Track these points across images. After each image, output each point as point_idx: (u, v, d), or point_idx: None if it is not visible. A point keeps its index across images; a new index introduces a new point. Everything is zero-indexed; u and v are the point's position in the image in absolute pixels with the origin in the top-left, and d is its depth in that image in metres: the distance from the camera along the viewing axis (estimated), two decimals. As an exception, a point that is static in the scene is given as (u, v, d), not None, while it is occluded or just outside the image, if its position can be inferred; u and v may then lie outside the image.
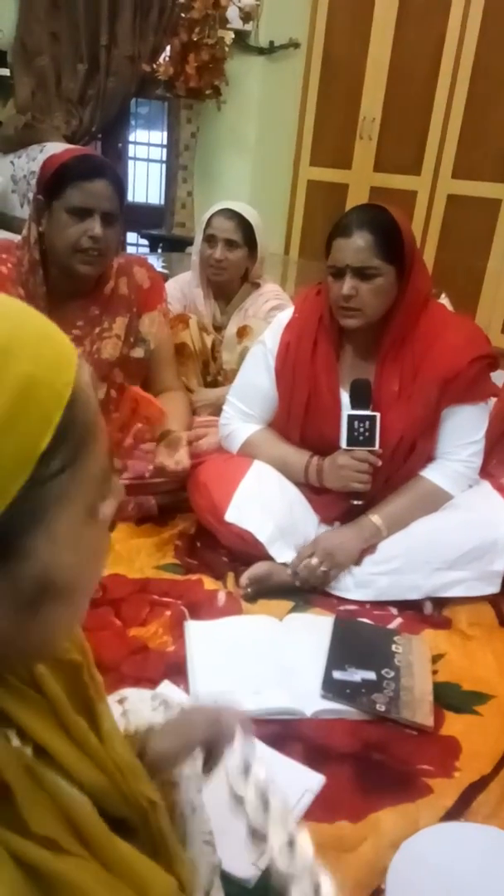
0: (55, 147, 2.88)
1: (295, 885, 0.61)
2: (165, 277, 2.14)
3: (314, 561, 1.56)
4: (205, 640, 1.36)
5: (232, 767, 0.70)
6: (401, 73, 3.85)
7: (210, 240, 2.02)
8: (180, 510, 1.83)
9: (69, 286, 1.69)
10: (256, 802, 0.67)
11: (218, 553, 1.68)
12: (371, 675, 1.31)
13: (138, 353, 1.81)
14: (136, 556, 1.66)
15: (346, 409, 1.58)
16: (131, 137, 4.59)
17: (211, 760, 0.76)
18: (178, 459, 1.66)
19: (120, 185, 1.64)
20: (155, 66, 3.84)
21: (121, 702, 0.88)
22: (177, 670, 1.28)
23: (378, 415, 1.55)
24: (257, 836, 0.66)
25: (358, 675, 1.30)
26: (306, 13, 4.14)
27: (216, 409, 1.93)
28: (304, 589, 1.58)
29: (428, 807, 1.06)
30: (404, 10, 3.76)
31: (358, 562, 1.59)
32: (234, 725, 0.76)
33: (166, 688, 1.22)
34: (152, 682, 1.22)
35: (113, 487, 0.52)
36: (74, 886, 0.47)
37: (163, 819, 0.62)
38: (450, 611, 1.57)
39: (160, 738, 0.74)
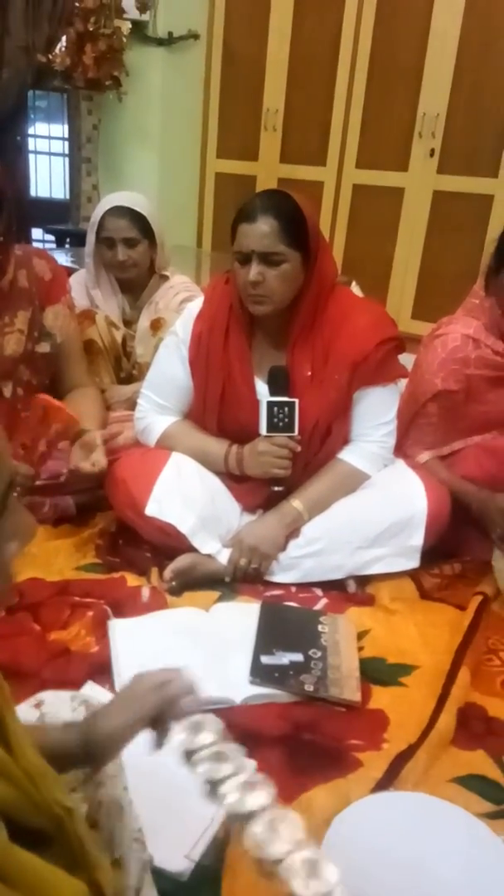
0: None
1: (254, 821, 0.64)
2: (70, 272, 2.08)
3: (242, 562, 1.56)
4: (129, 637, 1.34)
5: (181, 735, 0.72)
6: (301, 65, 3.90)
7: (108, 242, 1.96)
8: (99, 508, 1.79)
9: None
10: (209, 762, 0.70)
11: (141, 549, 1.65)
12: (299, 657, 1.31)
13: (44, 347, 1.75)
14: (54, 558, 1.61)
15: (262, 397, 1.59)
16: (31, 131, 4.43)
17: (160, 732, 0.75)
18: (94, 460, 1.62)
19: None
20: (51, 56, 3.72)
21: (37, 706, 0.85)
22: (101, 670, 1.25)
23: (297, 401, 1.56)
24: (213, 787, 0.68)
25: (286, 658, 1.31)
26: (204, 5, 4.12)
27: (131, 405, 1.89)
28: (235, 579, 1.58)
29: (358, 780, 1.08)
30: (301, 0, 3.80)
31: (283, 546, 1.60)
32: (181, 692, 0.76)
33: (90, 689, 1.19)
34: (75, 685, 1.18)
35: (16, 528, 0.49)
36: None
37: (80, 825, 0.60)
38: (372, 587, 1.60)
39: (107, 716, 0.73)
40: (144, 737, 0.76)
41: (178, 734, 0.74)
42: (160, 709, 0.74)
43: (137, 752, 0.82)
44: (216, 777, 0.70)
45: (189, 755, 0.73)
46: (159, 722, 0.75)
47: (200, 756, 0.72)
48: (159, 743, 0.76)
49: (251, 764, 0.73)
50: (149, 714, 0.74)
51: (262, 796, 0.68)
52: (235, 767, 0.71)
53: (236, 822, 0.68)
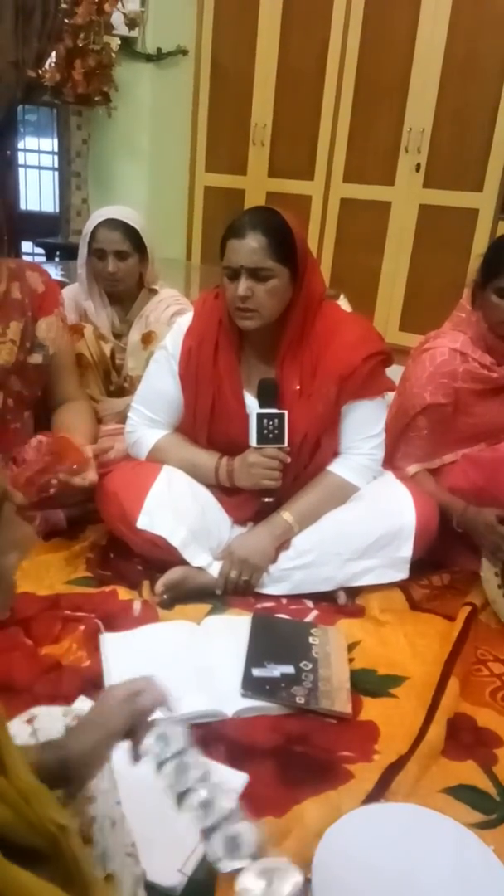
0: None
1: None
2: (62, 286, 2.09)
3: (233, 574, 1.57)
4: (121, 651, 1.34)
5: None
6: (288, 80, 3.94)
7: (99, 253, 1.98)
8: (90, 521, 1.79)
9: None
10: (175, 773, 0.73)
11: (132, 562, 1.66)
12: (290, 669, 1.32)
13: (36, 359, 1.76)
14: (45, 572, 1.61)
15: (251, 410, 1.60)
16: (21, 145, 4.46)
17: (135, 743, 0.76)
18: (84, 475, 1.62)
19: None
20: (41, 71, 3.75)
21: (30, 721, 0.85)
22: (93, 685, 1.25)
23: (286, 412, 1.57)
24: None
25: (277, 671, 1.31)
26: (192, 21, 4.17)
27: (122, 418, 1.89)
28: (226, 591, 1.59)
29: (349, 792, 1.09)
30: (288, 17, 3.86)
31: (273, 558, 1.61)
32: (152, 702, 0.76)
33: (82, 703, 1.18)
34: (67, 700, 1.18)
35: (14, 540, 0.49)
36: None
37: (74, 843, 0.61)
38: (362, 599, 1.61)
39: (80, 734, 0.73)
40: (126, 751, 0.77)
41: (150, 745, 0.76)
42: (132, 721, 0.75)
43: (129, 767, 0.83)
44: (181, 787, 0.73)
45: (160, 766, 0.75)
46: (133, 734, 0.76)
47: (168, 767, 0.74)
48: (135, 755, 0.77)
49: (214, 770, 0.76)
50: (120, 728, 0.74)
51: (224, 807, 0.72)
52: (200, 777, 0.74)
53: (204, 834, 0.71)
